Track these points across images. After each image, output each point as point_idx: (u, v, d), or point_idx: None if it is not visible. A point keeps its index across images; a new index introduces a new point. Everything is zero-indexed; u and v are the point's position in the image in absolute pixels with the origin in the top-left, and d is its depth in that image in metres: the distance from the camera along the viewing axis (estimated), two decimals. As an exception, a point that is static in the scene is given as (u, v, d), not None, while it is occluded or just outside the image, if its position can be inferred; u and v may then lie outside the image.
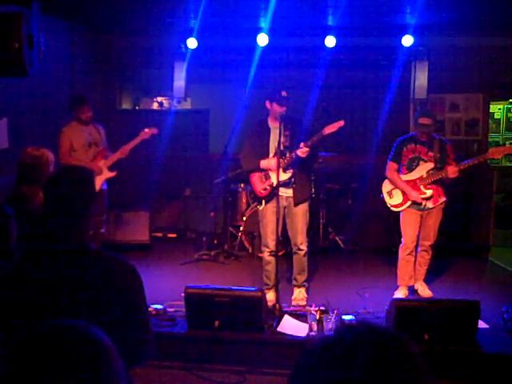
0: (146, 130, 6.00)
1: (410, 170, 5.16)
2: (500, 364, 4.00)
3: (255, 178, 5.02)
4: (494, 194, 7.25)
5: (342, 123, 4.71)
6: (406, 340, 0.89)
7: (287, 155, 4.81)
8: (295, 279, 5.10)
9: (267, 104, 4.90)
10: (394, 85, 6.95)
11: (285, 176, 4.83)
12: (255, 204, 5.07)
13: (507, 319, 4.47)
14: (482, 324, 4.23)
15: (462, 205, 6.87)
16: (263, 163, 4.92)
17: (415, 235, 5.17)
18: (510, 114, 9.40)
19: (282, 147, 4.76)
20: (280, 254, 5.20)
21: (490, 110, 8.01)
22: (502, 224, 7.90)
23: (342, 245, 6.88)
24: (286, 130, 4.86)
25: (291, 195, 4.92)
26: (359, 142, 6.74)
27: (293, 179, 4.88)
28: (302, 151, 4.69)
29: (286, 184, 4.87)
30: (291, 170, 4.86)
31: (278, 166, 4.67)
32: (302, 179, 5.02)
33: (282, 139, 4.78)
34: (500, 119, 9.42)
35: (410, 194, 5.09)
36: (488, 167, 7.18)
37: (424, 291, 5.27)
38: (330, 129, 4.70)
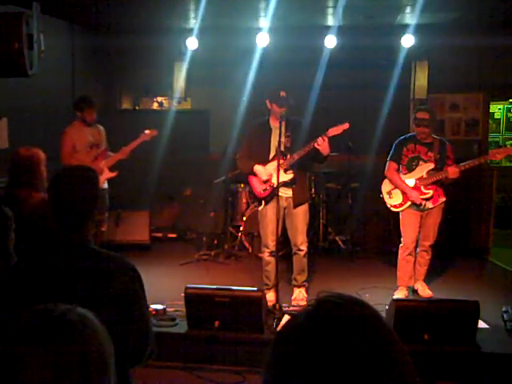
0: (147, 131, 5.89)
1: (410, 170, 5.15)
2: (500, 364, 4.01)
3: (255, 179, 4.98)
4: (494, 194, 7.25)
5: (346, 126, 4.62)
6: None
7: (288, 156, 4.79)
8: (295, 279, 5.10)
9: (267, 103, 4.87)
10: (394, 85, 6.95)
11: (286, 177, 4.80)
12: (255, 204, 5.04)
13: (507, 319, 4.47)
14: (482, 324, 4.23)
15: (462, 205, 6.87)
16: (257, 168, 4.89)
17: (415, 235, 5.16)
18: (510, 114, 9.42)
19: (282, 148, 4.74)
20: (280, 254, 5.19)
21: (490, 110, 8.02)
22: (502, 224, 7.91)
23: (342, 245, 6.88)
24: (287, 130, 4.84)
25: (291, 196, 4.91)
26: (359, 142, 6.72)
27: (293, 180, 4.86)
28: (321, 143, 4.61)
29: (286, 184, 4.84)
30: (292, 171, 4.84)
31: (279, 167, 4.65)
32: (302, 181, 5.01)
33: (283, 140, 4.76)
34: (500, 119, 9.44)
35: (409, 194, 5.08)
36: (488, 167, 7.18)
37: (424, 291, 5.26)
38: (334, 131, 4.63)
